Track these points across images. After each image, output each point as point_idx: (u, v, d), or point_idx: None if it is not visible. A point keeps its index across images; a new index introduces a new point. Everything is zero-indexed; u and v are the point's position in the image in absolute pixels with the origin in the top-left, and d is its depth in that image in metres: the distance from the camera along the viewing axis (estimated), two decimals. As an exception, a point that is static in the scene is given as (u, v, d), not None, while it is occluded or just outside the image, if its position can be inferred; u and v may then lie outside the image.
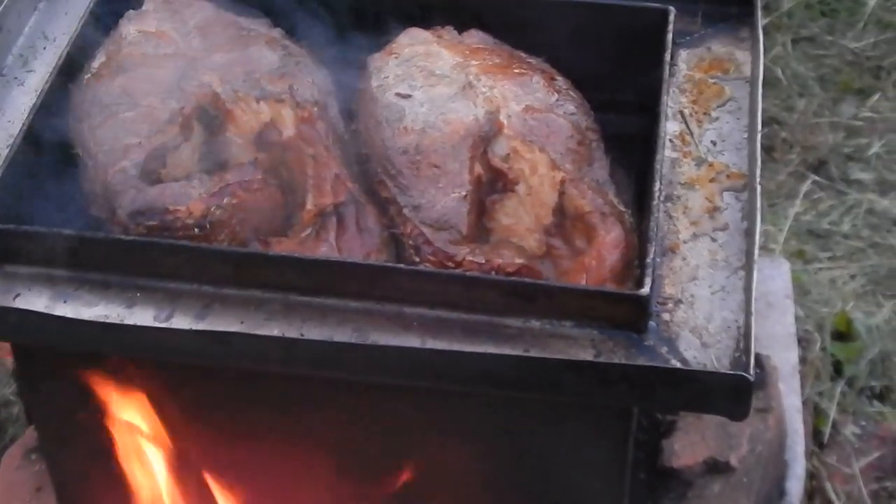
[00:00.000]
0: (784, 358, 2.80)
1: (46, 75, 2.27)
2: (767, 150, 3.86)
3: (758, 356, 2.30)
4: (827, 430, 3.04)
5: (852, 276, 3.54)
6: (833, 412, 3.09)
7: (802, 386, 2.87)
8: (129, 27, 2.31)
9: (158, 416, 2.21)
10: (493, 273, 2.03)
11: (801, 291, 3.36)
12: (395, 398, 2.10)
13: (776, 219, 3.70)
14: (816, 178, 3.89)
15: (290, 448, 2.22)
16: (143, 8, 2.35)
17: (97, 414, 2.24)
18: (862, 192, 3.82)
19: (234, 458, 2.26)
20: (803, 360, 3.01)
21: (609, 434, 2.14)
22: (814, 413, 3.03)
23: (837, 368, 3.22)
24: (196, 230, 2.06)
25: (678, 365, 1.88)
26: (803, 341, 3.10)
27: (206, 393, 2.19)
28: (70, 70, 2.26)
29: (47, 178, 2.12)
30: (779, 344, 2.83)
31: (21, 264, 2.00)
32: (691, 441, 2.43)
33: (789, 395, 2.73)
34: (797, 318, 3.02)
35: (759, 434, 2.49)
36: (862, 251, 3.64)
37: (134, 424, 2.23)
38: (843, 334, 3.30)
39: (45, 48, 2.37)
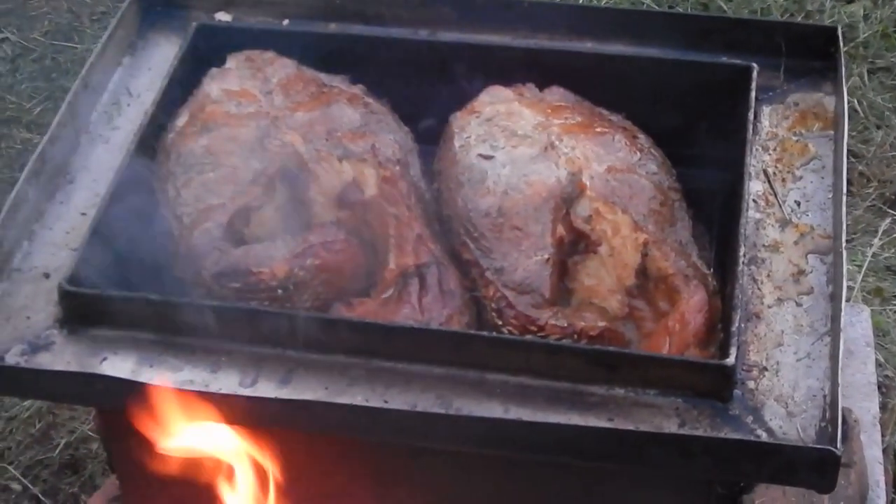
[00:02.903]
0: (865, 408, 2.77)
1: (131, 133, 2.29)
2: (845, 183, 3.80)
3: (840, 410, 2.28)
4: (907, 479, 3.00)
5: (931, 316, 3.49)
6: (914, 460, 3.05)
7: (883, 434, 2.83)
8: (213, 85, 2.32)
9: (245, 475, 2.22)
10: (576, 337, 2.03)
11: (879, 332, 3.31)
12: (474, 463, 2.09)
13: (853, 255, 3.65)
14: (894, 213, 3.83)
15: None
16: (226, 66, 2.37)
17: (181, 470, 2.25)
18: (940, 228, 3.76)
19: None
20: (883, 407, 2.97)
21: (689, 497, 2.13)
22: (893, 461, 2.98)
23: (917, 413, 3.17)
24: (279, 292, 2.08)
25: (764, 436, 1.87)
26: (883, 387, 3.06)
27: (292, 452, 2.19)
28: (154, 129, 2.27)
29: (133, 240, 2.14)
30: (859, 393, 2.80)
31: (108, 328, 2.03)
32: (772, 497, 2.41)
33: (870, 447, 2.69)
34: (876, 363, 2.98)
35: (840, 490, 2.46)
36: (940, 289, 3.59)
37: (219, 483, 2.24)
38: (922, 378, 3.26)
39: (128, 105, 2.39)
